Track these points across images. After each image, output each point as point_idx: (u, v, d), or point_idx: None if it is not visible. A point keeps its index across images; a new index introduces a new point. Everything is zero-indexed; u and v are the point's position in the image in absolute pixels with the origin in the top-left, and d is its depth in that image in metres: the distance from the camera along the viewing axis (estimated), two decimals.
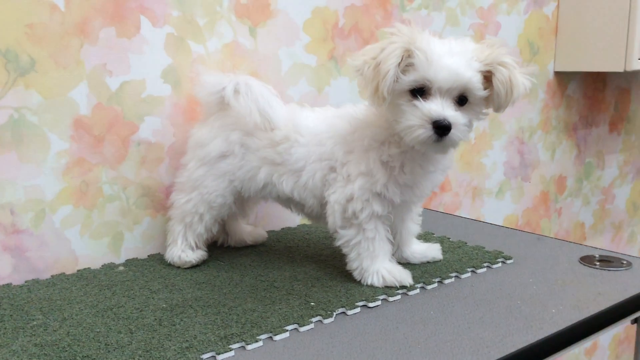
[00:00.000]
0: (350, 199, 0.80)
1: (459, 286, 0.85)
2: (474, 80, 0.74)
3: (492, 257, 0.95)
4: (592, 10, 1.51)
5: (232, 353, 0.66)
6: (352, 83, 1.19)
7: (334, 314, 0.75)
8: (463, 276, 0.88)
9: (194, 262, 0.91)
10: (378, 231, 0.82)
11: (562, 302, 0.79)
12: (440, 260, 0.93)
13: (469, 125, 0.77)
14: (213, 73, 0.92)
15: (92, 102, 0.90)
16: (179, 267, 0.91)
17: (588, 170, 1.77)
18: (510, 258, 0.95)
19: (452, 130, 0.73)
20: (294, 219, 1.16)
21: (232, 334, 0.69)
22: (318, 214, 0.87)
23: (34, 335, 0.70)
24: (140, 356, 0.64)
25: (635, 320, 0.91)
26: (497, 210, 1.52)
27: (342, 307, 0.77)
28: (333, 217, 0.82)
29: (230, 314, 0.74)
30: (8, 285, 0.85)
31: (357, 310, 0.77)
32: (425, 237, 1.03)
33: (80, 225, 0.92)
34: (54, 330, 0.71)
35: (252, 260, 0.95)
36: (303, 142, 0.84)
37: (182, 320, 0.73)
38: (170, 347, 0.66)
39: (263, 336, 0.69)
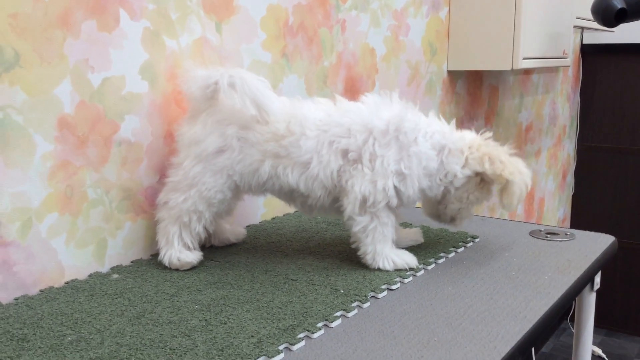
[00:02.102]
0: (375, 191, 0.84)
1: (452, 265, 0.92)
2: None
3: (462, 238, 1.04)
4: (480, 14, 1.68)
5: (302, 343, 0.67)
6: (300, 81, 1.22)
7: (368, 297, 0.79)
8: (449, 256, 0.96)
9: (194, 262, 0.88)
10: (390, 218, 0.87)
11: (547, 269, 0.90)
12: (422, 243, 1.00)
13: None
14: (202, 68, 0.90)
15: (76, 100, 0.84)
16: (177, 270, 0.88)
17: None
18: (477, 237, 1.05)
19: None
20: (255, 216, 1.16)
21: (291, 325, 0.70)
22: (322, 205, 0.89)
23: (82, 350, 0.64)
24: (217, 355, 0.63)
25: None
26: None
27: (371, 291, 0.80)
28: (353, 205, 0.85)
29: (272, 308, 0.74)
30: None
31: (385, 293, 0.81)
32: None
33: (66, 234, 0.84)
34: (99, 343, 0.66)
35: (247, 257, 0.94)
36: (312, 135, 0.86)
37: (228, 318, 0.72)
38: (240, 343, 0.65)
39: (320, 324, 0.71)
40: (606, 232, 1.09)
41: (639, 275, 2.87)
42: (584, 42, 2.86)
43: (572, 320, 3.07)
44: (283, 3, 1.16)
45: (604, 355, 2.72)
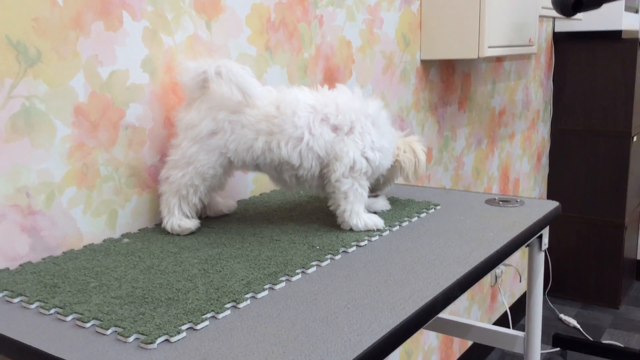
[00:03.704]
0: (363, 159, 1.01)
1: (414, 227, 1.08)
2: None
3: (426, 205, 1.19)
4: (447, 7, 1.83)
5: (283, 284, 0.82)
6: (283, 71, 1.37)
7: (339, 251, 0.94)
8: (413, 220, 1.12)
9: (192, 228, 1.03)
10: (366, 184, 1.03)
11: (493, 228, 1.06)
12: (389, 210, 1.16)
13: None
14: (193, 61, 1.04)
15: (88, 90, 0.98)
16: (178, 235, 1.03)
17: (446, 142, 2.12)
18: (438, 205, 1.20)
19: None
20: (245, 192, 1.31)
21: (274, 271, 0.85)
22: (312, 176, 1.04)
23: (104, 292, 0.79)
24: (214, 292, 0.78)
25: (527, 245, 1.22)
26: None
27: (342, 247, 0.96)
28: (345, 168, 1.01)
29: (258, 261, 0.90)
30: (30, 262, 0.91)
31: (354, 248, 0.96)
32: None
33: (83, 205, 0.99)
34: (118, 287, 0.81)
35: (238, 224, 1.09)
36: (303, 114, 1.01)
37: (222, 268, 0.87)
38: (232, 285, 0.80)
39: (298, 271, 0.86)
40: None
41: (611, 250, 3.05)
42: (556, 30, 3.01)
43: (550, 294, 3.25)
44: (265, 2, 1.30)
45: (578, 326, 2.90)
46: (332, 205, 1.06)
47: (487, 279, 2.61)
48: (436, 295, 0.78)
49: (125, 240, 1.01)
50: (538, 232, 1.13)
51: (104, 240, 1.02)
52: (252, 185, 1.33)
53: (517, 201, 1.23)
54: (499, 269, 2.66)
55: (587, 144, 3.04)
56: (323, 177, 1.05)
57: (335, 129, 1.02)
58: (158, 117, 1.10)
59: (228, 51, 1.23)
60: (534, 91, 2.85)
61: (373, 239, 1.01)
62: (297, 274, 0.85)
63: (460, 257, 0.91)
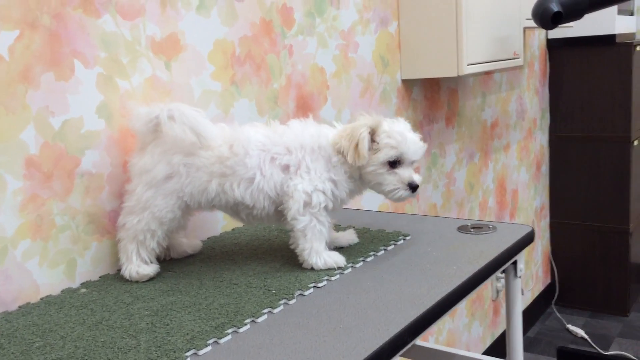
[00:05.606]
0: (315, 191, 0.99)
1: (378, 261, 1.06)
2: None
3: (395, 236, 1.17)
4: (426, 27, 1.81)
5: (229, 337, 0.80)
6: (251, 104, 1.36)
7: (295, 295, 0.92)
8: (379, 254, 1.10)
9: (151, 274, 1.02)
10: (326, 219, 1.02)
11: (458, 261, 1.03)
12: (357, 243, 1.14)
13: None
14: (144, 105, 1.04)
15: (40, 142, 0.98)
16: (137, 282, 1.02)
17: (434, 159, 2.10)
18: (408, 235, 1.18)
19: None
20: (216, 229, 1.30)
21: (222, 322, 0.83)
22: (267, 214, 1.03)
23: (46, 353, 0.78)
24: (155, 351, 0.76)
25: (503, 271, 1.19)
26: (373, 200, 1.77)
27: (299, 289, 0.94)
28: (298, 205, 0.99)
29: (210, 310, 0.88)
30: None
31: (311, 290, 0.94)
32: (335, 227, 1.23)
33: (39, 257, 0.99)
34: (60, 347, 0.80)
35: (200, 267, 1.08)
36: (254, 154, 1.00)
37: (171, 320, 0.85)
38: (176, 341, 0.79)
39: (248, 320, 0.84)
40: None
41: (617, 256, 2.99)
42: (550, 37, 2.98)
43: (557, 304, 3.19)
44: (229, 36, 1.29)
45: (586, 336, 2.84)
46: (293, 244, 1.04)
47: (489, 293, 2.57)
48: (382, 345, 0.76)
49: (83, 290, 1.00)
50: (508, 261, 1.11)
51: (62, 291, 1.01)
52: (222, 221, 1.32)
53: (489, 227, 1.21)
54: (500, 282, 2.62)
55: (588, 151, 2.99)
56: (280, 214, 1.03)
57: (285, 168, 1.01)
58: (116, 161, 1.09)
59: (190, 89, 1.22)
60: (528, 100, 2.82)
61: (333, 278, 0.99)
62: (246, 324, 0.83)
63: (417, 297, 0.89)
